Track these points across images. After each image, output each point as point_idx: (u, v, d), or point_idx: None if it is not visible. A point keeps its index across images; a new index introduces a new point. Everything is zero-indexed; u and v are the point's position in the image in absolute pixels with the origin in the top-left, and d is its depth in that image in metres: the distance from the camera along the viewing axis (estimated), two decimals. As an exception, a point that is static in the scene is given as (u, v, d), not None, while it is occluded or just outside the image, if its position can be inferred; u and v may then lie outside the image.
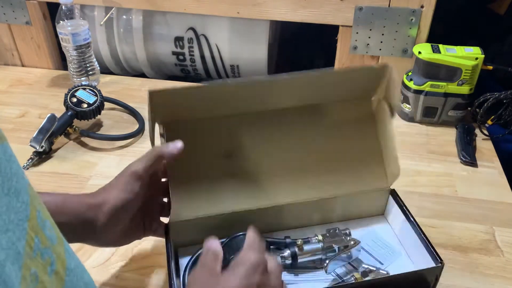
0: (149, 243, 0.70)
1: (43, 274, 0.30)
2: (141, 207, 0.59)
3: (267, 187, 0.68)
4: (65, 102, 0.93)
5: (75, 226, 0.53)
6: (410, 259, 0.66)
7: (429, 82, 0.93)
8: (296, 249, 0.64)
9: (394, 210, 0.70)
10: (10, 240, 0.27)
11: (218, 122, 0.66)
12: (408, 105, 0.98)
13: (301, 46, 1.30)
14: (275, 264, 0.51)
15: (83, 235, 0.56)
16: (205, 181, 0.66)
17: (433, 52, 0.92)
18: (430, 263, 0.60)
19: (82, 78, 1.08)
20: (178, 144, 0.58)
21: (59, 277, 0.32)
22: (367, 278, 0.62)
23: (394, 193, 0.70)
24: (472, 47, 0.92)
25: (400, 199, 0.69)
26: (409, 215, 0.66)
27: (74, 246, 0.68)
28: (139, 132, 0.94)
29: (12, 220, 0.27)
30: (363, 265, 0.64)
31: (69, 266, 0.34)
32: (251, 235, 0.51)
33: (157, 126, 0.64)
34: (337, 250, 0.64)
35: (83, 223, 0.54)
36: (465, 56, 0.91)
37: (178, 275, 0.61)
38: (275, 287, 0.49)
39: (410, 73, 0.98)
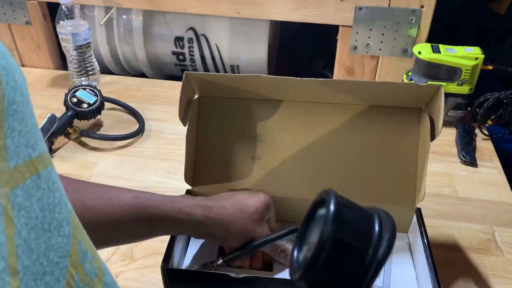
0: (149, 243, 0.70)
1: None
2: None
3: (285, 178, 0.68)
4: (65, 102, 0.93)
5: None
6: (416, 277, 0.64)
7: (429, 82, 0.93)
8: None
9: (414, 228, 0.67)
10: (48, 285, 0.24)
11: (250, 103, 0.69)
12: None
13: (301, 46, 1.30)
14: None
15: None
16: (227, 156, 0.69)
17: (433, 52, 0.92)
18: None
19: (82, 78, 1.08)
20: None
21: None
22: None
23: (418, 212, 0.66)
24: (472, 47, 0.92)
25: (422, 220, 0.65)
26: (424, 236, 0.62)
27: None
28: (139, 132, 0.94)
29: (52, 259, 0.25)
30: None
31: None
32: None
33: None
34: None
35: None
36: (465, 56, 0.91)
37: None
38: None
39: (410, 73, 0.98)
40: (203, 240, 0.67)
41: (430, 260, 0.58)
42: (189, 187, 0.68)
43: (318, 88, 0.65)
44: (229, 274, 0.56)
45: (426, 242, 0.61)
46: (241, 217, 0.57)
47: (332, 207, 0.33)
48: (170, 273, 0.57)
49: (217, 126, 0.69)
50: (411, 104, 0.67)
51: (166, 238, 0.70)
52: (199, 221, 0.54)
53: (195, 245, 0.67)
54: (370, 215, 0.34)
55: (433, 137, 0.63)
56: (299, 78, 0.62)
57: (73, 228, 0.28)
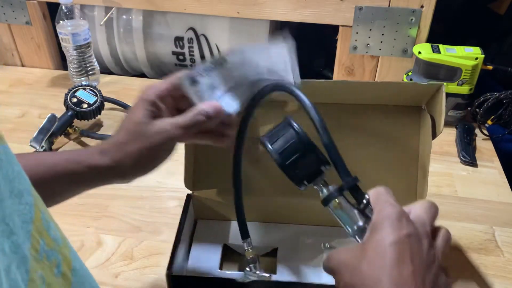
0: (149, 243, 0.70)
1: (50, 276, 0.30)
2: None
3: (286, 179, 0.67)
4: (65, 102, 0.93)
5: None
6: None
7: (429, 82, 0.93)
8: None
9: None
10: (14, 244, 0.26)
11: None
12: (408, 105, 0.98)
13: (301, 46, 1.29)
14: (419, 211, 0.47)
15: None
16: (227, 159, 0.66)
17: (433, 52, 0.92)
18: None
19: (82, 78, 1.08)
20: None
21: (66, 278, 0.32)
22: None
23: None
24: (472, 47, 0.92)
25: None
26: None
27: (73, 245, 0.68)
28: (139, 132, 0.94)
29: (16, 223, 0.27)
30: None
31: (75, 267, 0.34)
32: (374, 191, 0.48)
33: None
34: None
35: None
36: (465, 56, 0.91)
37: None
38: (424, 233, 0.43)
39: (410, 73, 0.98)
40: (206, 244, 0.67)
41: None
42: (189, 191, 0.69)
43: (318, 89, 0.65)
44: (234, 279, 0.57)
45: None
46: (129, 132, 0.52)
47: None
48: (175, 280, 0.57)
49: None
50: (411, 103, 0.66)
51: (166, 238, 0.70)
52: (95, 153, 0.51)
53: (197, 249, 0.67)
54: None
55: (434, 135, 0.63)
56: None
57: (35, 199, 0.30)
